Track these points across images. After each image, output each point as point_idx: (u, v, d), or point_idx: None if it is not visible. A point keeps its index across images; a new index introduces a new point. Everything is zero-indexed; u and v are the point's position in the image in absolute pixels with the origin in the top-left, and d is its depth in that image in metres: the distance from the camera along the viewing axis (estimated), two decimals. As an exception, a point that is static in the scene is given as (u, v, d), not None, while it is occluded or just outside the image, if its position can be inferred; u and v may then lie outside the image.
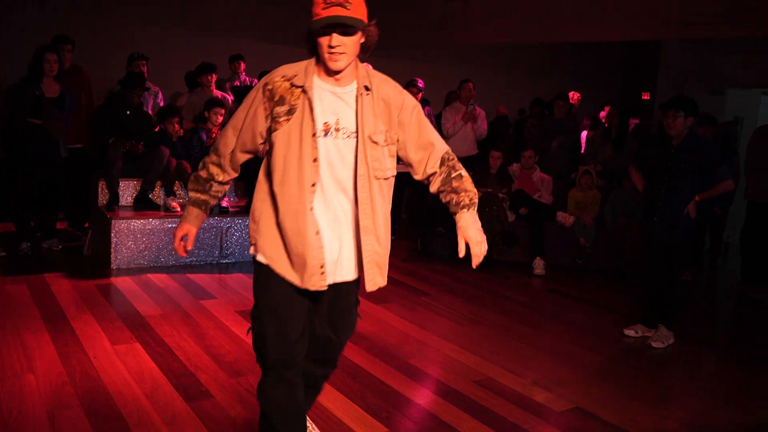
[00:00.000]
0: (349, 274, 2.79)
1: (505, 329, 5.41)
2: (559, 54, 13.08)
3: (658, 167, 5.18)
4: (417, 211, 8.71)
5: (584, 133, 9.86)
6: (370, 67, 2.74)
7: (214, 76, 7.99)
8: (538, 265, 7.36)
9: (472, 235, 2.73)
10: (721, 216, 8.69)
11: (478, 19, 9.34)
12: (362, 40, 2.57)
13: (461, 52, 12.14)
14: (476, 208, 2.76)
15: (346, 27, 2.47)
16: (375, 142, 2.62)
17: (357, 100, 2.61)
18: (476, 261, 2.74)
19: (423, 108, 8.08)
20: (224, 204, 7.08)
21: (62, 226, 7.34)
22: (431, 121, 8.10)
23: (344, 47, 2.49)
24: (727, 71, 11.17)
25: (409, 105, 2.73)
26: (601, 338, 5.32)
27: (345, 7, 2.45)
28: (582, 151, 9.16)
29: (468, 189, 2.76)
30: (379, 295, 6.01)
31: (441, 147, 2.79)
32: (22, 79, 6.62)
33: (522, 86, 12.75)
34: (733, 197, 8.15)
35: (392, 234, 8.39)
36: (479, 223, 2.75)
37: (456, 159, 2.81)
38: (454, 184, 2.76)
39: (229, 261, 6.93)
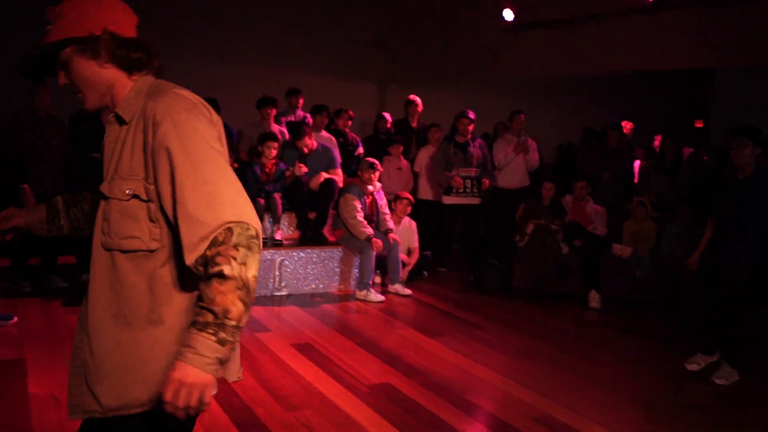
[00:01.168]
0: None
1: (560, 363, 5.32)
2: (609, 83, 13.00)
3: (724, 200, 5.01)
4: (469, 242, 8.67)
5: (637, 163, 9.75)
6: (164, 84, 1.87)
7: (273, 110, 8.10)
8: (594, 298, 7.23)
9: (173, 375, 1.62)
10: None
11: (527, 51, 9.34)
12: (102, 60, 1.82)
13: (511, 83, 12.14)
14: (218, 333, 1.63)
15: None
16: (102, 194, 1.84)
17: (105, 138, 1.91)
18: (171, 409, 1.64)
19: (474, 141, 8.16)
20: (278, 237, 7.16)
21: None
22: (484, 153, 8.18)
23: (74, 85, 1.87)
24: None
25: (161, 140, 1.72)
26: (660, 373, 5.19)
27: (46, 32, 1.83)
28: (635, 181, 9.04)
29: (214, 300, 1.62)
30: (431, 328, 6.02)
31: (204, 226, 1.65)
32: (79, 111, 6.81)
33: (572, 116, 12.69)
34: None
35: (443, 266, 8.44)
36: (206, 357, 1.62)
37: (234, 242, 1.64)
38: (203, 286, 1.66)
39: (283, 294, 6.98)
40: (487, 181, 8.18)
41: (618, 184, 8.65)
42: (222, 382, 4.11)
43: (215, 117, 1.84)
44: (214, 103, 8.39)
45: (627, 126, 10.46)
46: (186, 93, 1.82)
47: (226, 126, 7.25)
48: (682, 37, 7.76)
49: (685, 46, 7.80)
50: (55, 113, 6.66)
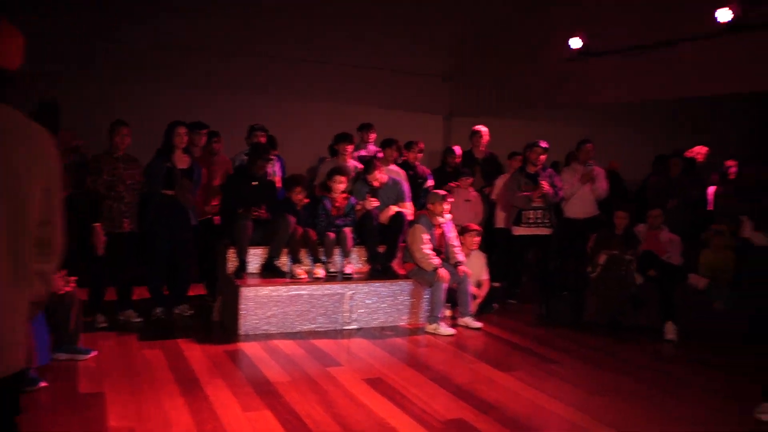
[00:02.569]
0: None
1: (639, 399, 5.15)
2: (681, 108, 12.73)
3: None
4: (540, 274, 8.56)
5: (711, 189, 9.47)
6: None
7: (350, 146, 8.19)
8: (670, 330, 7.02)
9: None
10: None
11: (597, 78, 9.25)
12: None
13: (581, 110, 12.01)
14: None
15: None
16: None
17: None
18: None
19: (545, 170, 8.09)
20: (348, 271, 7.19)
21: (193, 293, 7.65)
22: (553, 183, 8.07)
23: None
24: None
25: None
26: (743, 408, 4.95)
27: None
28: (709, 208, 8.78)
29: None
30: (503, 362, 5.93)
31: None
32: (155, 153, 7.04)
33: (644, 143, 12.44)
34: None
35: (513, 298, 8.36)
36: None
37: None
38: None
39: (353, 327, 6.98)
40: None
41: (682, 212, 8.43)
42: (294, 417, 4.08)
43: None
44: (272, 140, 8.55)
45: (701, 151, 10.20)
46: None
47: (280, 158, 7.45)
48: (757, 59, 7.56)
49: (760, 69, 7.60)
50: (132, 151, 6.89)
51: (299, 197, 7.30)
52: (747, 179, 7.83)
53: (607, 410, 4.87)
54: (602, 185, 8.53)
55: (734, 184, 8.33)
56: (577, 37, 9.13)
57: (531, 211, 8.09)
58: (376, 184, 7.57)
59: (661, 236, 7.66)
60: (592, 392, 5.28)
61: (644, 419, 4.73)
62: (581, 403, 5.00)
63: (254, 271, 7.20)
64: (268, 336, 6.55)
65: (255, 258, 7.24)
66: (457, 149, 9.36)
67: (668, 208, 8.28)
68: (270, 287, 6.71)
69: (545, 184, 8.02)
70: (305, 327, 6.79)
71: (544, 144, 8.17)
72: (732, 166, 9.83)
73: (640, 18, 8.67)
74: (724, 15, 7.52)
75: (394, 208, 7.55)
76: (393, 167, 8.21)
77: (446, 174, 9.09)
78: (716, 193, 9.02)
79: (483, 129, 9.45)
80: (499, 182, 8.86)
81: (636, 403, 5.07)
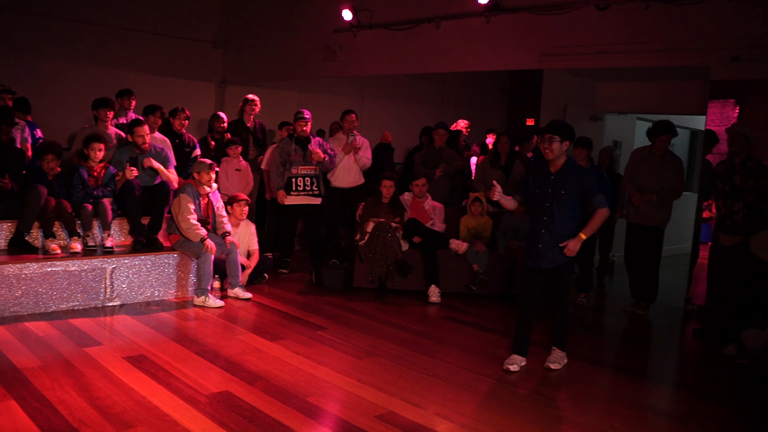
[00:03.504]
0: None
1: (403, 360, 5.36)
2: (447, 83, 13.35)
3: (539, 194, 5.23)
4: (310, 243, 8.62)
5: (473, 159, 10.03)
6: None
7: (110, 112, 7.65)
8: (434, 293, 7.38)
9: None
10: (608, 235, 8.98)
11: (366, 51, 9.40)
12: None
13: (352, 82, 12.18)
14: None
15: None
16: None
17: None
18: None
19: (314, 138, 8.11)
20: (108, 244, 6.76)
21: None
22: (324, 149, 8.13)
23: None
24: (604, 98, 11.64)
25: None
26: (499, 363, 5.34)
27: None
28: (473, 178, 9.31)
29: None
30: (273, 332, 5.91)
31: None
32: None
33: (412, 115, 12.90)
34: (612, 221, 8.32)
35: (286, 267, 8.33)
36: None
37: None
38: None
39: (116, 304, 6.60)
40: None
41: (447, 182, 8.87)
42: (44, 406, 3.78)
43: None
44: (25, 102, 7.81)
45: (462, 124, 10.77)
46: None
47: (32, 125, 6.78)
48: (512, 39, 8.06)
49: (514, 48, 8.11)
50: None
51: (51, 166, 6.73)
52: (502, 150, 8.35)
53: (372, 373, 5.01)
54: (366, 155, 8.73)
55: (490, 155, 8.86)
56: (347, 9, 9.20)
57: (300, 179, 8.10)
58: (145, 141, 7.15)
59: (426, 204, 7.99)
60: (360, 356, 5.41)
61: (407, 379, 4.92)
62: (348, 368, 5.10)
63: (0, 248, 6.56)
64: (18, 318, 6.00)
65: (1, 233, 6.59)
66: (224, 116, 9.12)
67: (433, 177, 8.65)
68: (18, 264, 6.13)
69: (282, 194, 8.15)
70: (62, 306, 6.31)
71: (307, 114, 8.18)
72: (490, 137, 10.49)
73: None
74: (482, -3, 7.92)
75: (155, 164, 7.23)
76: (157, 135, 7.82)
77: (215, 142, 8.84)
78: (477, 163, 9.56)
79: (255, 98, 9.28)
80: (269, 152, 8.79)
81: (400, 364, 5.26)
